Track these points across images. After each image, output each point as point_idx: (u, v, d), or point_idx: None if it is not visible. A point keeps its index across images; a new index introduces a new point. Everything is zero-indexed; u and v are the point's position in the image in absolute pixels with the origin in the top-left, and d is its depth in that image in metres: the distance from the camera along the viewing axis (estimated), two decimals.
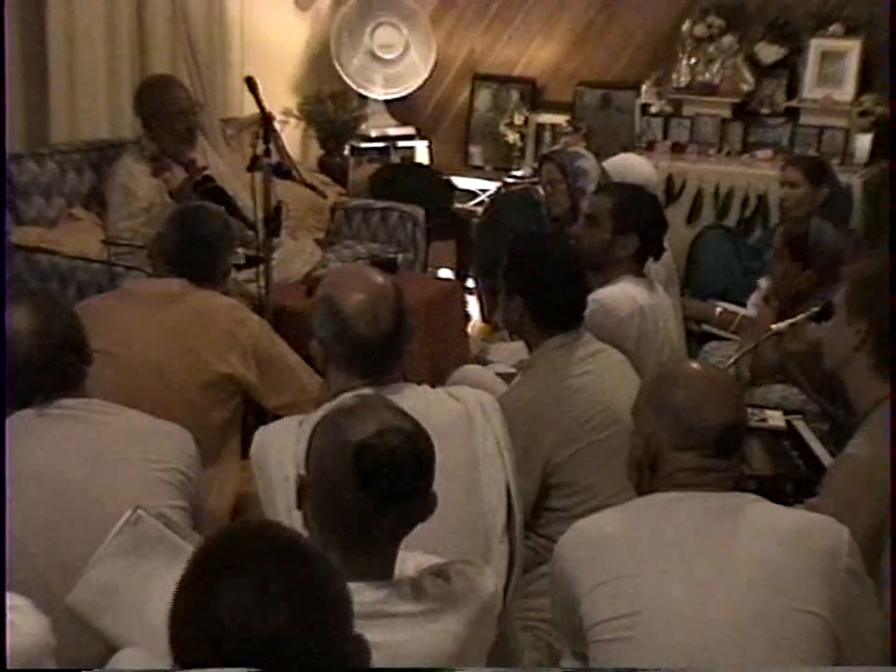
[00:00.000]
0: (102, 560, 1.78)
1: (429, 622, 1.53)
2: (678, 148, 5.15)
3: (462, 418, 2.09)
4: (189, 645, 1.15)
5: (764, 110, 5.18)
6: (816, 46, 4.99)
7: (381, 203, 4.97)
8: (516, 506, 2.09)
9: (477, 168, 5.96)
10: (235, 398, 2.80)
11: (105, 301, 2.93)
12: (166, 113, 4.09)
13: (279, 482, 1.90)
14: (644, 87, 5.35)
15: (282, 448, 1.94)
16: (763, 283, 3.81)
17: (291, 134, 5.39)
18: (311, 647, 1.14)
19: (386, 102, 5.87)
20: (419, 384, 2.17)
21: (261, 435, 2.04)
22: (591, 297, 3.05)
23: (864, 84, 4.95)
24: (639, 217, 3.15)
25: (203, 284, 2.84)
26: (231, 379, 2.75)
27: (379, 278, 2.14)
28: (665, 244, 3.71)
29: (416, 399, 2.01)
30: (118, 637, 1.77)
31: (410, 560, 1.65)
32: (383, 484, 1.51)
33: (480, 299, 4.80)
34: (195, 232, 2.89)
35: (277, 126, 4.13)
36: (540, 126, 5.78)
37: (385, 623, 1.49)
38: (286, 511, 1.81)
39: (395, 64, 5.79)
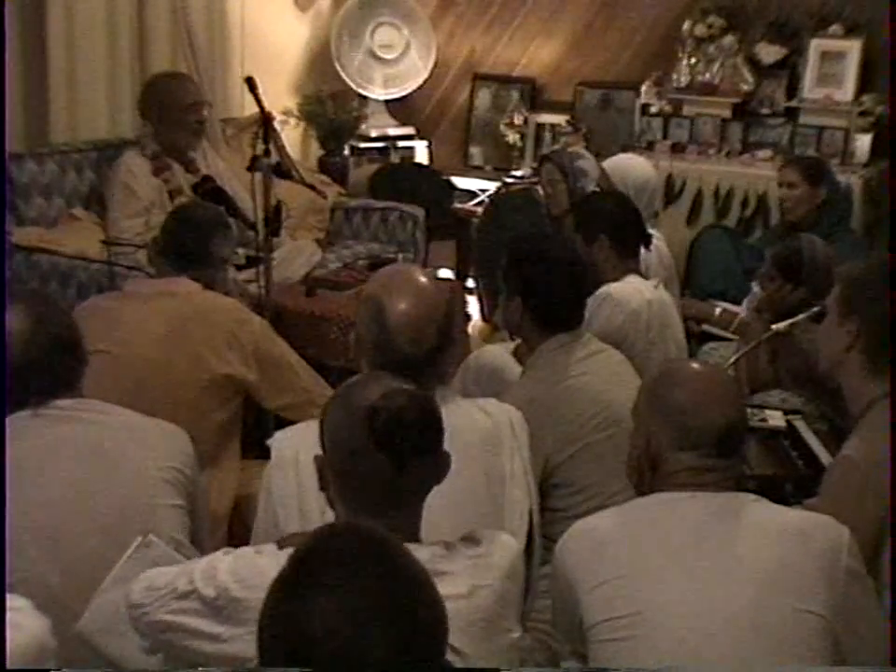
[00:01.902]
0: (113, 585, 1.77)
1: (471, 578, 1.59)
2: (677, 148, 5.15)
3: (491, 436, 2.06)
4: (277, 658, 1.15)
5: (764, 110, 5.17)
6: (816, 46, 4.99)
7: (381, 203, 4.97)
8: (537, 533, 2.08)
9: (477, 168, 5.96)
10: (236, 398, 2.81)
11: (106, 302, 2.93)
12: (178, 104, 4.09)
13: (311, 479, 1.87)
14: (644, 87, 5.34)
15: (313, 446, 1.91)
16: (756, 288, 3.79)
17: (291, 134, 5.39)
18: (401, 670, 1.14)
19: (386, 102, 5.87)
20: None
21: (287, 434, 1.99)
22: (598, 292, 3.05)
23: (864, 84, 4.94)
24: (597, 220, 3.23)
25: (195, 268, 2.85)
26: (231, 379, 2.75)
27: (431, 289, 2.04)
28: (662, 241, 3.72)
29: (445, 412, 1.94)
30: (127, 663, 1.76)
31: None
32: (397, 442, 1.57)
33: (480, 299, 4.79)
34: (186, 217, 2.96)
35: (277, 126, 4.14)
36: (540, 126, 5.77)
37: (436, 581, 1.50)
38: (318, 512, 1.81)
39: (395, 64, 5.79)
